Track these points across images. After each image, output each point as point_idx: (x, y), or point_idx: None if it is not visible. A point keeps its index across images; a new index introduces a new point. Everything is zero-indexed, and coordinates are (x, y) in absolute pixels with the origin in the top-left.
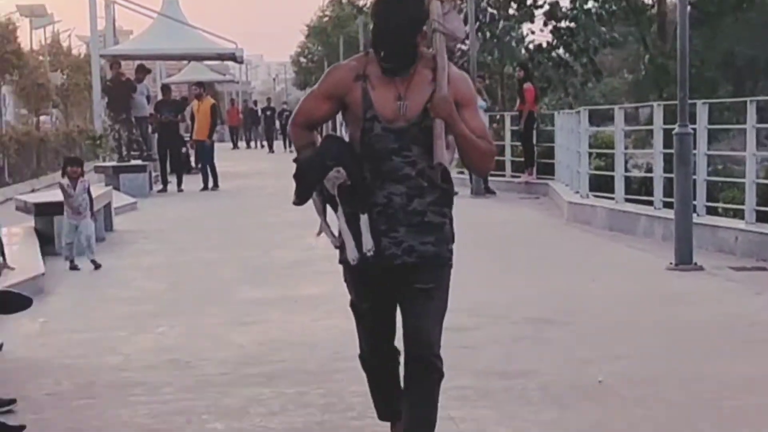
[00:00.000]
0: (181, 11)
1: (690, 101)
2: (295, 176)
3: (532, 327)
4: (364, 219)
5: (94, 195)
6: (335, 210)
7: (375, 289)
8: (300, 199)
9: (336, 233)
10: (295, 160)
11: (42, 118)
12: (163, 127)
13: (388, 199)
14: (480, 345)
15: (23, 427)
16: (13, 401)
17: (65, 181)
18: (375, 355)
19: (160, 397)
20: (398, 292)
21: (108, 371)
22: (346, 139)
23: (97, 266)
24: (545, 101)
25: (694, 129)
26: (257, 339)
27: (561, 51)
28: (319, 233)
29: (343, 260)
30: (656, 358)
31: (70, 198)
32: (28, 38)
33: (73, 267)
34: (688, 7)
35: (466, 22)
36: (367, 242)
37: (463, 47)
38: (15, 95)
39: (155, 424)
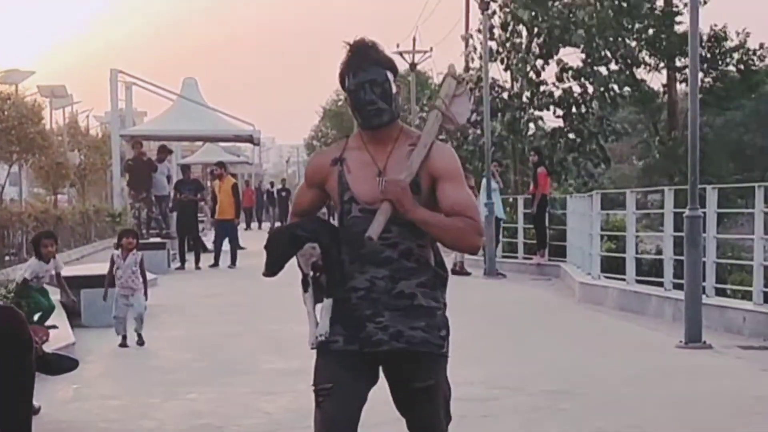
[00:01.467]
0: (199, 93)
1: (700, 186)
2: (266, 246)
3: (548, 398)
4: (327, 303)
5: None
6: (305, 290)
7: (349, 372)
8: (268, 271)
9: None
10: (268, 232)
11: (59, 196)
12: (183, 206)
13: (370, 282)
14: (498, 414)
15: None
16: None
17: (117, 252)
18: None
19: None
20: (395, 392)
21: None
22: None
23: (141, 342)
24: (559, 186)
25: (704, 213)
26: (285, 407)
27: (572, 136)
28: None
29: (317, 346)
30: (665, 428)
31: (118, 269)
32: (48, 118)
33: (123, 344)
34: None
35: (480, 109)
36: (323, 327)
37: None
38: (33, 174)
39: None
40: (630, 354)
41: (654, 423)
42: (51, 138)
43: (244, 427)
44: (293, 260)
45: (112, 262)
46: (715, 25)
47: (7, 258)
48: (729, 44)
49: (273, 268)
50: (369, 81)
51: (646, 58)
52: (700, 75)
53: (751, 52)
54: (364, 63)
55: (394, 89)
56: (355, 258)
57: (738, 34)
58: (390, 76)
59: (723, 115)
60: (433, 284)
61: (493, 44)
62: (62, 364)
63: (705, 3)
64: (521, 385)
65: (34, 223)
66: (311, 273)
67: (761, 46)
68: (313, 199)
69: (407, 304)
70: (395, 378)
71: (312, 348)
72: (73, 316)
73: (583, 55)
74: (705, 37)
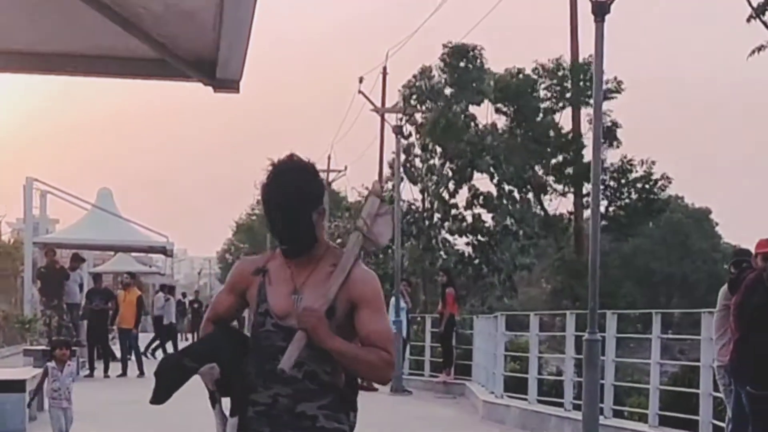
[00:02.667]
0: (114, 203)
1: (601, 311)
2: (155, 374)
3: None
4: (232, 422)
5: (27, 377)
6: (213, 406)
7: None
8: (155, 398)
9: None
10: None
11: None
12: (93, 315)
13: (273, 399)
14: None
15: None
16: None
17: (52, 364)
18: None
19: None
20: None
21: None
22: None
23: None
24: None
25: (604, 337)
26: None
27: (478, 263)
28: None
29: None
30: None
31: (56, 382)
32: None
33: None
34: (602, 221)
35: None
36: None
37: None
38: None
39: None
40: None
41: None
42: None
43: None
44: None
45: (46, 374)
46: (625, 157)
47: None
48: (634, 174)
49: (160, 397)
50: (286, 215)
51: (553, 185)
52: (605, 203)
53: (652, 183)
54: (282, 195)
55: (315, 218)
56: (260, 373)
57: (643, 163)
58: (310, 206)
59: (627, 241)
60: (337, 406)
61: (415, 162)
62: None
63: (618, 147)
64: None
65: None
66: (216, 390)
67: (662, 176)
68: (231, 306)
69: (308, 425)
70: None
71: None
72: None
73: (495, 181)
74: (612, 167)
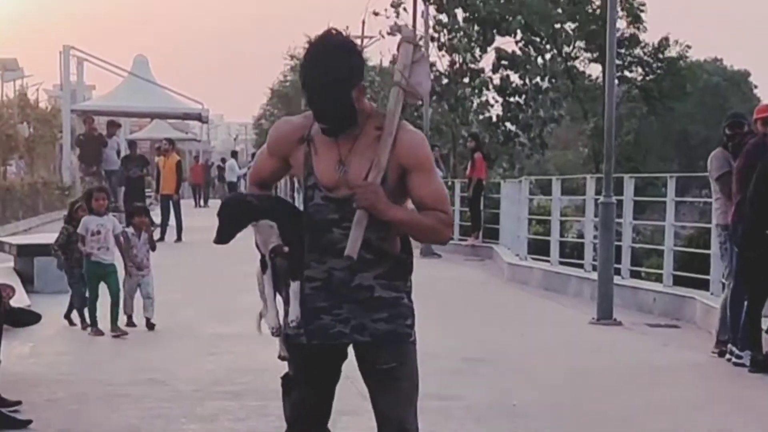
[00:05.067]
0: (150, 70)
1: (618, 174)
2: (218, 214)
3: (466, 364)
4: (295, 286)
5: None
6: (264, 271)
7: (317, 369)
8: (219, 237)
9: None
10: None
11: (8, 168)
12: (130, 182)
13: (328, 274)
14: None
15: (30, 421)
16: (18, 402)
17: (130, 230)
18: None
19: (142, 405)
20: (363, 375)
21: (96, 385)
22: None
23: (151, 327)
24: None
25: (620, 200)
26: (224, 365)
27: (509, 124)
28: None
29: (284, 338)
30: (564, 390)
31: (133, 248)
32: None
33: (131, 323)
34: (635, 91)
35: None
36: (294, 311)
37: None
38: None
39: (140, 425)
40: (545, 328)
41: (555, 385)
42: (1, 110)
43: (187, 381)
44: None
45: (127, 241)
46: (669, 35)
47: None
48: (669, 53)
49: (224, 236)
50: (325, 97)
51: (584, 53)
52: (641, 75)
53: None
54: (318, 77)
55: (355, 95)
56: (314, 247)
57: (678, 44)
58: (349, 85)
59: (659, 114)
60: (393, 274)
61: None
62: (26, 318)
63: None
64: (444, 353)
65: None
66: (270, 254)
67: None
68: (274, 169)
69: (366, 297)
70: (360, 364)
71: (274, 334)
72: (26, 283)
73: (521, 44)
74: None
